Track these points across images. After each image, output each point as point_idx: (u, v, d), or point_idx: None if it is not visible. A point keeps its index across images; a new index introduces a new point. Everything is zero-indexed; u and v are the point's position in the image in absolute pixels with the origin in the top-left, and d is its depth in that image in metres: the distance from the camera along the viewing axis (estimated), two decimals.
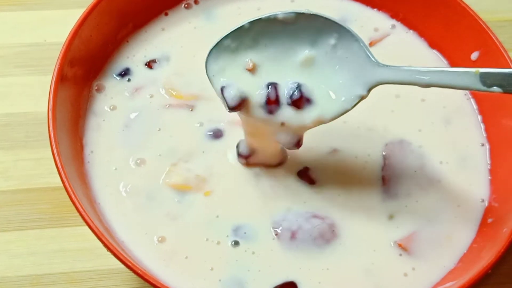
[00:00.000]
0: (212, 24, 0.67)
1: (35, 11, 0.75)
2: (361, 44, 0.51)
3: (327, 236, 0.56)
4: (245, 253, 0.55)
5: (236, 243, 0.55)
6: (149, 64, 0.64)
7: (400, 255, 0.56)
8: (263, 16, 0.52)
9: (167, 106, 0.62)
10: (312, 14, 0.52)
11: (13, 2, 0.76)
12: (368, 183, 0.59)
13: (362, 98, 0.51)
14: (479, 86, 0.49)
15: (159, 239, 0.55)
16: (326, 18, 0.52)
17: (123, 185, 0.57)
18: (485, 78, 0.48)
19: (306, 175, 0.59)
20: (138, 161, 0.58)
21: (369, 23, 0.68)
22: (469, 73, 0.49)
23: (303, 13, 0.52)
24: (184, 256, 0.55)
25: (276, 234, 0.56)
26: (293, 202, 0.57)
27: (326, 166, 0.59)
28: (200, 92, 0.62)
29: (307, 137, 0.55)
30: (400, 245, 0.56)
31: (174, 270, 0.54)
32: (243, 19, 0.66)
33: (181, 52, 0.65)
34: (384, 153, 0.60)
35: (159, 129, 0.60)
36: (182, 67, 0.64)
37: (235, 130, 0.60)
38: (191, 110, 0.62)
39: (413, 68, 0.51)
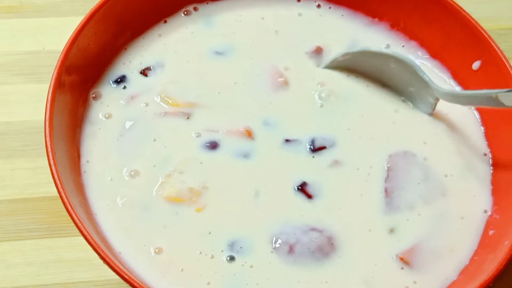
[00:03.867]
0: (210, 29, 0.66)
1: (33, 18, 0.75)
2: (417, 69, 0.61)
3: (325, 249, 0.55)
4: (242, 267, 0.54)
5: (231, 258, 0.54)
6: (144, 72, 0.63)
7: (402, 268, 0.55)
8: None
9: (163, 114, 0.61)
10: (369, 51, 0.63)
11: (11, 10, 0.75)
12: (369, 195, 0.58)
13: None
14: (502, 105, 0.54)
15: (156, 250, 0.55)
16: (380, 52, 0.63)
17: (119, 197, 0.57)
18: (504, 99, 0.53)
19: (304, 190, 0.58)
20: (132, 173, 0.58)
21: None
22: (490, 97, 0.54)
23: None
24: (180, 269, 0.54)
25: (274, 248, 0.55)
26: (291, 215, 0.56)
27: (325, 179, 0.58)
28: (196, 99, 0.62)
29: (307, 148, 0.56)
30: (401, 259, 0.55)
31: (171, 282, 0.53)
32: (243, 26, 0.66)
33: (176, 58, 0.64)
34: (388, 165, 0.59)
35: (154, 139, 0.59)
36: (177, 74, 0.63)
37: (232, 139, 0.59)
38: (187, 118, 0.61)
39: (454, 92, 0.61)
